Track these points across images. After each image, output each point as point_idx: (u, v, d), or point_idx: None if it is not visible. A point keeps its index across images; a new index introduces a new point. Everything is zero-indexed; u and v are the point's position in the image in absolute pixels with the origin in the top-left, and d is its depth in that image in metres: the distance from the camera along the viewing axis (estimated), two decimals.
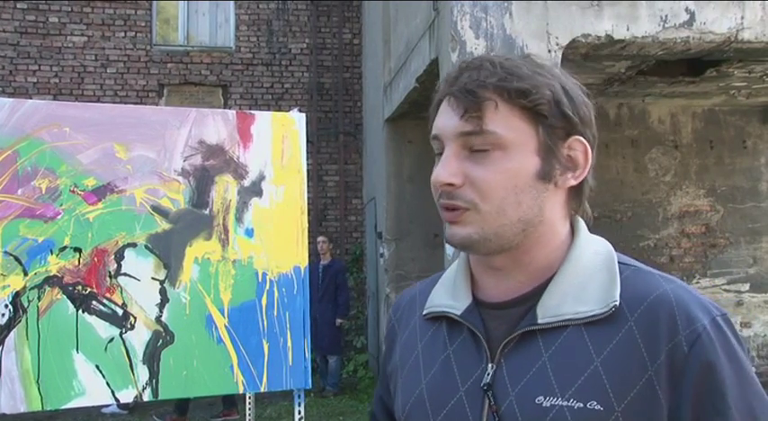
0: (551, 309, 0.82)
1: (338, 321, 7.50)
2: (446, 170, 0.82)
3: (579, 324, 0.81)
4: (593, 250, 0.87)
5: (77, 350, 2.68)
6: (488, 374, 0.83)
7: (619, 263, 0.85)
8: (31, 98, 8.00)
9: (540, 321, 0.82)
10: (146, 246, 2.81)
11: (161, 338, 2.79)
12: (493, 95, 0.80)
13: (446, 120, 0.84)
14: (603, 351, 0.79)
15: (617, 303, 0.80)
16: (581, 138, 0.84)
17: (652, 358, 0.77)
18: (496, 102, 0.80)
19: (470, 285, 0.91)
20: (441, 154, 0.86)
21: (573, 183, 0.85)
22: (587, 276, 0.84)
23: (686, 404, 0.75)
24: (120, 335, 2.74)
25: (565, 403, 0.78)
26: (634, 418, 0.76)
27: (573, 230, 0.89)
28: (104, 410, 6.62)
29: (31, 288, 2.66)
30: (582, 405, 0.77)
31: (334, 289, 7.41)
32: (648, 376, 0.76)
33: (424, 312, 0.96)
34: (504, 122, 0.80)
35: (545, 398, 0.79)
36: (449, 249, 4.56)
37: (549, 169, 0.82)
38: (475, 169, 0.81)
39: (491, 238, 0.82)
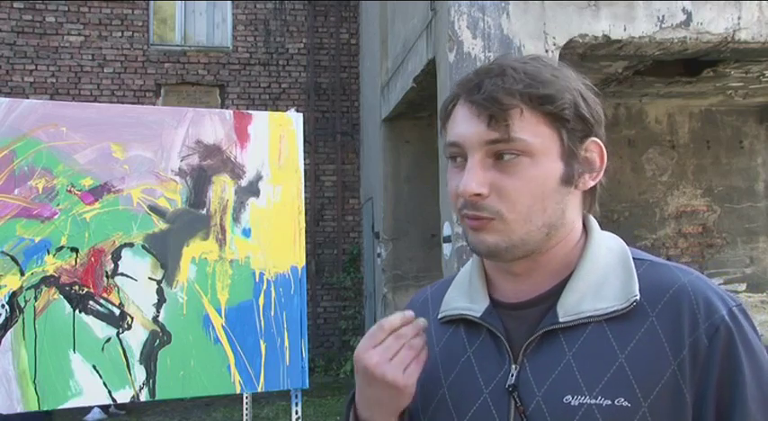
0: (571, 307, 0.82)
1: None
2: (474, 180, 0.81)
3: (600, 320, 0.81)
4: (608, 247, 0.87)
5: (74, 350, 2.67)
6: (512, 375, 0.83)
7: (633, 258, 0.86)
8: (27, 98, 7.97)
9: (561, 320, 0.82)
10: (143, 246, 2.81)
11: (158, 338, 2.78)
12: (519, 102, 0.80)
13: (469, 127, 0.82)
14: (627, 346, 0.79)
15: (637, 297, 0.81)
16: (596, 140, 0.85)
17: (675, 352, 0.78)
18: (522, 108, 0.80)
19: (486, 287, 0.91)
20: (455, 159, 0.85)
21: (591, 184, 0.86)
22: (605, 273, 0.84)
23: (709, 397, 0.76)
24: (117, 335, 2.74)
25: (593, 401, 0.78)
26: (660, 413, 0.76)
27: (586, 228, 0.89)
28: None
29: (28, 288, 2.66)
30: (610, 402, 0.77)
31: None
32: (672, 370, 0.77)
33: (440, 316, 0.95)
34: (530, 129, 0.80)
35: (573, 397, 0.79)
36: (446, 249, 4.55)
37: (572, 173, 0.83)
38: (501, 178, 0.81)
39: (518, 245, 0.82)
